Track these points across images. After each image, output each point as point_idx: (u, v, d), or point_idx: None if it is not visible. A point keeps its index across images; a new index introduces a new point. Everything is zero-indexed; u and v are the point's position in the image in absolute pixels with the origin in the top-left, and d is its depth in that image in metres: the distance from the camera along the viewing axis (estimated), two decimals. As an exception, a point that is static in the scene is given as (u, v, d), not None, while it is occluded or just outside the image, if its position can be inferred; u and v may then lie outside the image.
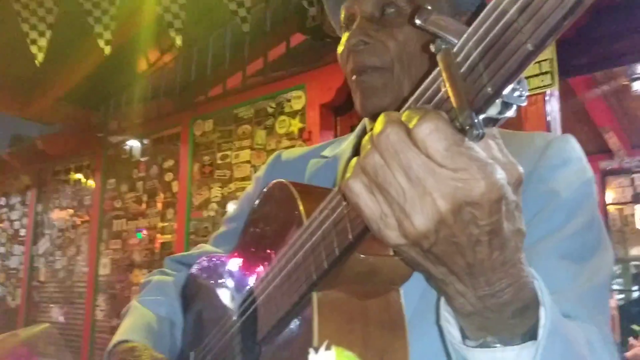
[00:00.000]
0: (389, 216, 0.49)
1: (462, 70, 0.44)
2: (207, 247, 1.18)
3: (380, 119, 0.49)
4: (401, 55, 0.90)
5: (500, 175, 0.46)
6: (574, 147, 0.88)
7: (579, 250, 0.78)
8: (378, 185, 0.49)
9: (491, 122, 0.46)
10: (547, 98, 2.98)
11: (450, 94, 0.45)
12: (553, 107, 3.03)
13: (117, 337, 0.97)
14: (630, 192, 6.48)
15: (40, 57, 3.43)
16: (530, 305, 0.56)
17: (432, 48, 0.47)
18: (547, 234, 0.79)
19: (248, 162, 4.17)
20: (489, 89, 0.42)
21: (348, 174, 0.52)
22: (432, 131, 0.45)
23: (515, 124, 2.85)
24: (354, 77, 0.93)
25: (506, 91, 0.43)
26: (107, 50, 3.43)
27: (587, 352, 0.64)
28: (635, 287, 6.54)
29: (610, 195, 6.62)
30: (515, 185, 0.48)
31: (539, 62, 2.93)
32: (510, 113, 0.45)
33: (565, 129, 3.13)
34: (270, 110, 4.10)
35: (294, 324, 0.73)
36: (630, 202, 6.47)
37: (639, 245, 6.43)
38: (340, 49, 0.98)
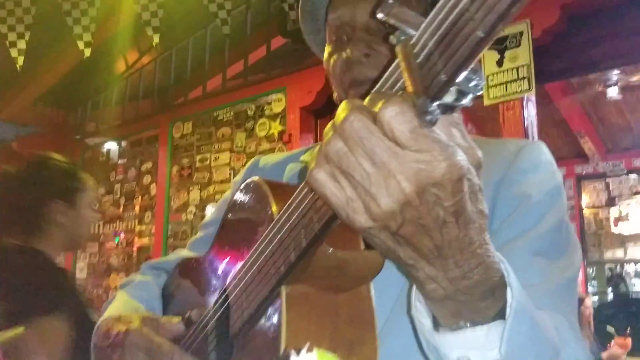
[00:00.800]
0: (355, 200, 0.50)
1: (419, 59, 0.46)
2: (184, 251, 1.18)
3: (343, 106, 0.50)
4: None
5: (461, 157, 0.48)
6: (544, 152, 0.92)
7: (550, 249, 0.82)
8: (342, 172, 0.50)
9: (449, 109, 0.47)
10: (524, 103, 3.03)
11: (407, 82, 0.46)
12: (530, 112, 3.09)
13: (105, 315, 0.98)
14: (605, 196, 6.60)
15: (20, 60, 3.39)
16: (499, 286, 0.57)
17: (392, 39, 0.48)
18: (519, 234, 0.82)
19: (227, 164, 4.16)
20: (443, 76, 0.44)
21: (312, 165, 0.53)
22: (397, 113, 0.47)
23: (493, 128, 2.90)
24: (351, 91, 0.94)
25: (461, 80, 0.44)
26: (87, 52, 3.40)
27: (555, 336, 0.66)
28: (610, 289, 6.65)
29: (585, 199, 6.74)
30: (475, 167, 0.50)
31: (516, 68, 2.98)
32: (466, 101, 0.47)
33: (542, 134, 3.18)
34: (250, 112, 4.10)
35: (265, 318, 0.74)
36: (605, 206, 6.60)
37: (613, 248, 6.55)
38: (332, 58, 0.98)
